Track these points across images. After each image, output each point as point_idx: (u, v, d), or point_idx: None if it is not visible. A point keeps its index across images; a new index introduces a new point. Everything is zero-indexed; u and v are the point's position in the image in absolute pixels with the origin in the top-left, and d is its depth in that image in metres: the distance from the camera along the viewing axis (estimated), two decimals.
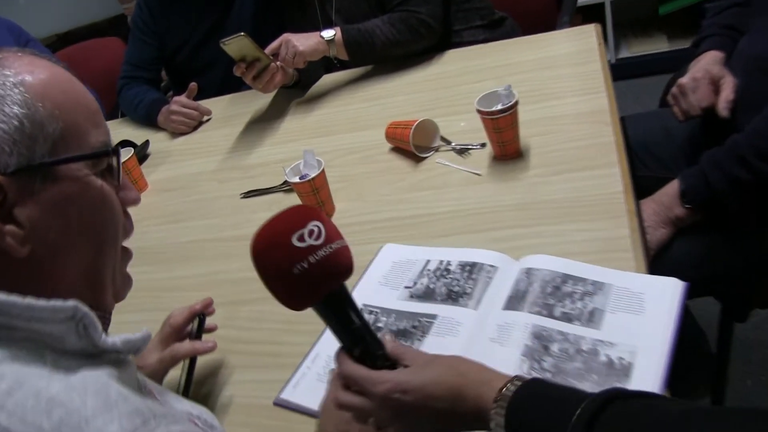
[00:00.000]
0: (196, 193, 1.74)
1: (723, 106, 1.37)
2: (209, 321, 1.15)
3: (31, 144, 0.67)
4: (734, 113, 1.37)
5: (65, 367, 0.66)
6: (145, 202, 1.71)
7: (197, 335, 1.11)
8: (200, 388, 1.13)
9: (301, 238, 0.71)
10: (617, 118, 1.42)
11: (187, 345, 1.08)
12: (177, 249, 1.52)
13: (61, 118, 0.70)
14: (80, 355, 0.69)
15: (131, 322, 1.23)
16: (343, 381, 0.82)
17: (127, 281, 0.82)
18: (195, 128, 2.09)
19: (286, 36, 1.82)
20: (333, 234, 0.74)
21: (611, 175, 1.27)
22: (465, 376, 0.78)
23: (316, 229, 0.72)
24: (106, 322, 0.77)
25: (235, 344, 1.20)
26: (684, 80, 1.47)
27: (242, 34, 1.67)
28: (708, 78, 1.42)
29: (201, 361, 1.16)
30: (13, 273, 0.68)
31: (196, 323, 1.13)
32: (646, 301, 1.02)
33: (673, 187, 1.35)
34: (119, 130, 2.27)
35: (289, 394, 1.05)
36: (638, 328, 0.99)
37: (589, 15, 3.22)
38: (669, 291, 1.02)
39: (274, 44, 1.82)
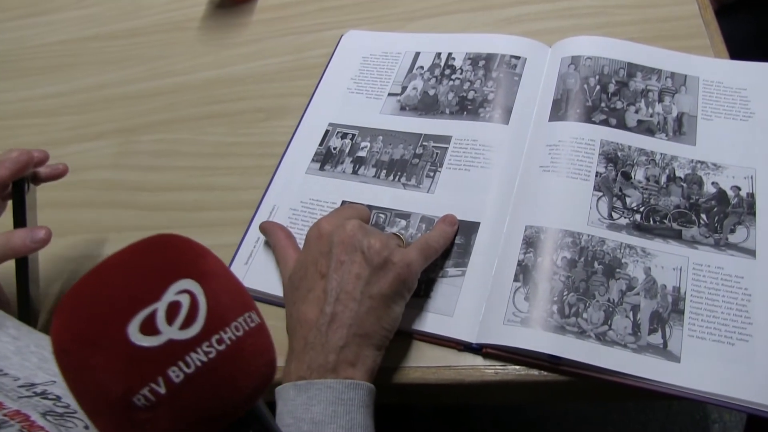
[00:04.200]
0: None
1: None
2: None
3: None
4: None
5: None
6: None
7: (17, 218, 0.64)
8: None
9: (149, 325, 0.32)
10: None
11: None
12: (38, 54, 1.02)
13: None
14: None
15: None
16: None
17: None
18: None
19: None
20: (227, 305, 0.34)
21: None
22: None
23: (184, 302, 0.33)
24: None
25: (136, 194, 0.79)
26: None
27: None
28: None
29: (85, 222, 0.76)
30: None
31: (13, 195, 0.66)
32: (751, 99, 0.70)
33: None
34: None
35: (239, 276, 0.67)
36: (749, 139, 0.67)
37: None
38: None
39: None
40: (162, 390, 0.31)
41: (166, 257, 0.35)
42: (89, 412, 0.33)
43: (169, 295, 0.33)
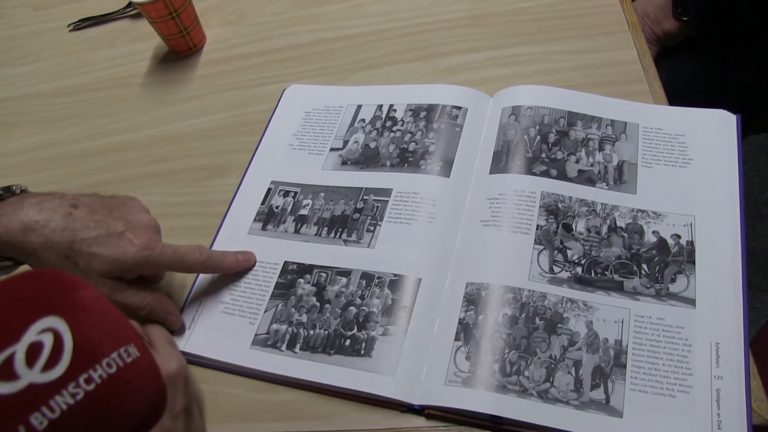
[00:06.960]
0: (2, 27, 1.19)
1: None
2: None
3: None
4: None
5: None
6: None
7: None
8: None
9: (7, 370, 0.30)
10: None
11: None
12: None
13: None
14: None
15: None
16: None
17: None
18: None
19: None
20: (97, 341, 0.32)
21: None
22: None
23: (47, 341, 0.31)
24: None
25: None
26: None
27: None
28: None
29: None
30: None
31: None
32: (689, 145, 0.71)
33: None
34: None
35: (181, 343, 0.66)
36: (688, 186, 0.67)
37: None
38: (718, 127, 0.71)
39: None
40: None
41: (29, 294, 0.32)
42: None
43: (30, 335, 0.30)
